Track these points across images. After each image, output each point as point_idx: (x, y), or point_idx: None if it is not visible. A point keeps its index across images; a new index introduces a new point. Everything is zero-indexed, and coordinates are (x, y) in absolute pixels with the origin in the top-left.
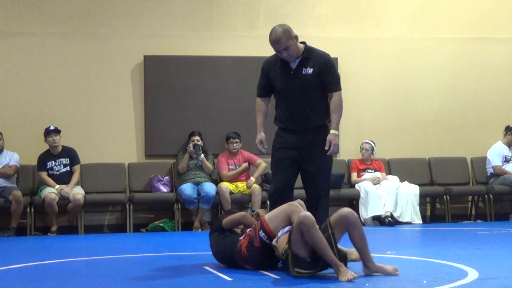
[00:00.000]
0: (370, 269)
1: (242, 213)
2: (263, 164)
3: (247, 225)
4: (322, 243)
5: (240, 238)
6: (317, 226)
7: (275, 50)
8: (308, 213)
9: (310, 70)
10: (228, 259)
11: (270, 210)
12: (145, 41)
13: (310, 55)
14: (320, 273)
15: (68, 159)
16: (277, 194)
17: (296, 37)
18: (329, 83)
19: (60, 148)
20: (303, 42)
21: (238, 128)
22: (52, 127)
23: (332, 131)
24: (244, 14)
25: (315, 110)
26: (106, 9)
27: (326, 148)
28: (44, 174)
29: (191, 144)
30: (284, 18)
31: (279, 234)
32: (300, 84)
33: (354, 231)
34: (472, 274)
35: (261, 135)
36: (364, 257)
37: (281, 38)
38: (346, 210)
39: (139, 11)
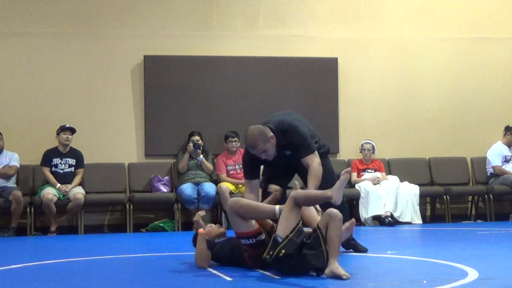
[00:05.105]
0: (328, 269)
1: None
2: None
3: (213, 237)
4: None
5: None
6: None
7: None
8: (233, 199)
9: (288, 152)
10: (234, 261)
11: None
12: (145, 41)
13: (280, 140)
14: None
15: (74, 160)
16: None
17: (272, 137)
18: (299, 152)
19: (69, 148)
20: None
21: (238, 128)
22: (68, 125)
23: None
24: (244, 14)
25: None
26: (106, 9)
27: None
28: (47, 170)
29: (191, 144)
30: (284, 18)
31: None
32: (289, 162)
33: (332, 226)
34: (472, 274)
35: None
36: (330, 254)
37: (258, 144)
38: (334, 210)
39: (139, 11)
